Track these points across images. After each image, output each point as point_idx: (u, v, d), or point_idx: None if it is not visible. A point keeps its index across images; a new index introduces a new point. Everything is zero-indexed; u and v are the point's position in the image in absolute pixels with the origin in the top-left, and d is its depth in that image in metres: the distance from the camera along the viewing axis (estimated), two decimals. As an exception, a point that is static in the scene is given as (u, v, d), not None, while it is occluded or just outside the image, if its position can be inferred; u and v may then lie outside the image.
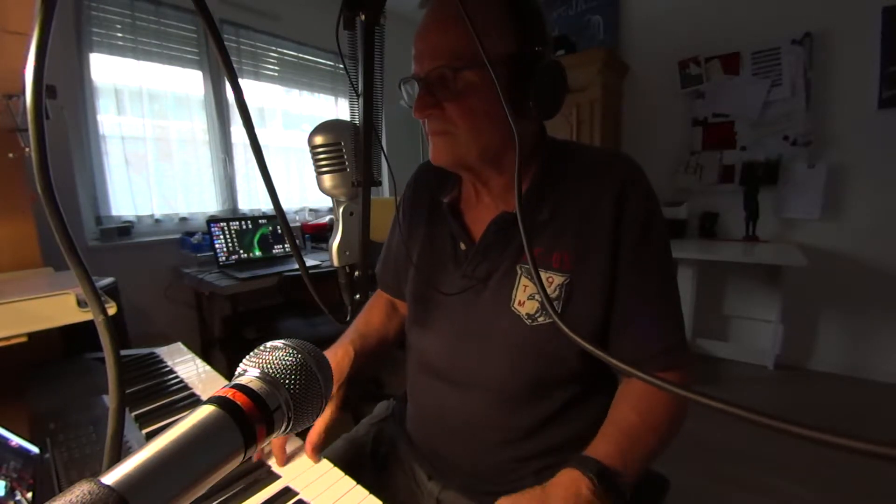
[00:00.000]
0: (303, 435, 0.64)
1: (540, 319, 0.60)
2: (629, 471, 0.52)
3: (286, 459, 0.62)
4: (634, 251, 0.58)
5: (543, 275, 0.60)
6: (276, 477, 0.58)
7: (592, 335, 0.60)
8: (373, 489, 0.56)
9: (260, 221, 2.40)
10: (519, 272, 0.62)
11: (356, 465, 0.74)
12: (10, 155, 1.03)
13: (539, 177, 0.63)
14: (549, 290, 0.60)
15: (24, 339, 0.70)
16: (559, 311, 0.59)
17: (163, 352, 1.00)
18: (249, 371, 0.29)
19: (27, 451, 0.56)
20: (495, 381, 0.63)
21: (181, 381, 0.84)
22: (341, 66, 0.49)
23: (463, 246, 0.68)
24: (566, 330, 0.27)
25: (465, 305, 0.66)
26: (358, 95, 0.49)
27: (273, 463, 0.61)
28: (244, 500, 0.54)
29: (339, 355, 0.74)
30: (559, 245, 0.60)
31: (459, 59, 0.54)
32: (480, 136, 0.58)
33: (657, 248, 0.60)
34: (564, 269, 0.59)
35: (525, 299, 0.61)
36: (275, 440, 0.61)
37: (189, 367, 0.92)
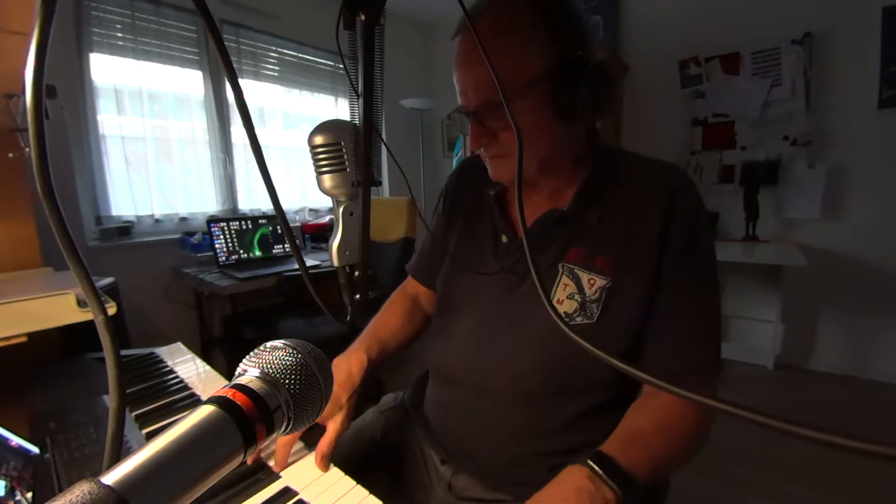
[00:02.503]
0: (303, 436, 0.64)
1: (578, 319, 0.59)
2: (633, 466, 0.51)
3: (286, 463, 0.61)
4: (678, 263, 0.57)
5: (586, 276, 0.60)
6: (276, 477, 0.58)
7: (629, 342, 0.59)
8: (382, 480, 0.56)
9: (260, 221, 2.40)
10: (561, 270, 0.62)
11: (365, 456, 0.74)
12: (10, 155, 1.03)
13: (590, 178, 0.63)
14: (589, 292, 0.59)
15: (24, 339, 0.70)
16: (598, 313, 0.59)
17: (163, 352, 1.00)
18: (249, 371, 0.29)
19: (27, 451, 0.56)
20: (522, 375, 0.62)
21: (181, 381, 0.84)
22: (341, 66, 0.49)
23: (504, 239, 0.68)
24: (577, 339, 0.26)
25: (500, 295, 0.66)
26: (358, 95, 0.49)
27: (273, 463, 0.61)
28: (244, 500, 0.53)
29: (352, 363, 0.72)
30: (604, 248, 0.60)
31: (505, 89, 0.54)
32: (536, 152, 0.59)
33: (701, 261, 0.59)
34: (607, 273, 0.59)
35: (564, 298, 0.60)
36: (281, 441, 0.61)
37: (189, 367, 0.92)
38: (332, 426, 0.65)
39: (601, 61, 0.55)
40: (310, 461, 0.62)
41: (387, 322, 0.82)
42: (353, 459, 0.60)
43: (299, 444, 0.65)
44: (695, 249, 0.58)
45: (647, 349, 0.59)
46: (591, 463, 0.50)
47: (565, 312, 0.60)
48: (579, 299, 0.59)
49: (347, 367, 0.72)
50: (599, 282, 0.59)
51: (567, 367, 0.60)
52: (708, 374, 0.58)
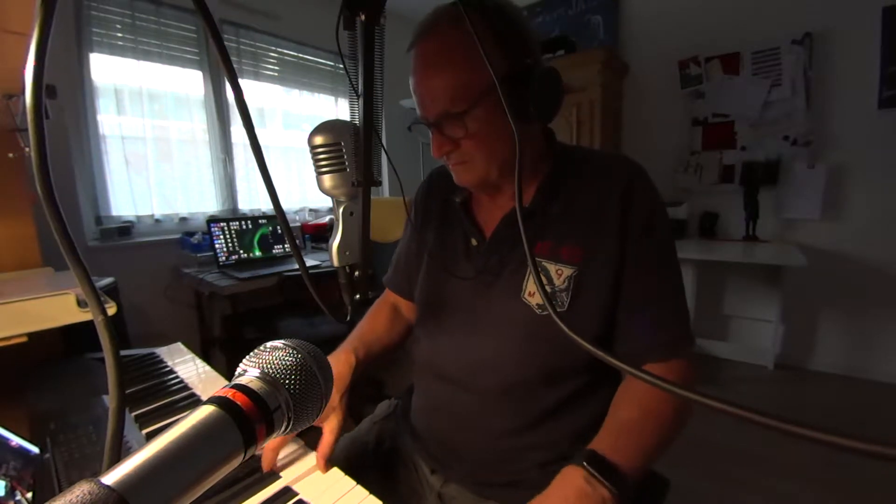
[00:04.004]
0: (302, 436, 0.64)
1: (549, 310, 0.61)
2: (627, 461, 0.53)
3: (277, 463, 0.61)
4: (638, 246, 0.61)
5: (553, 267, 0.62)
6: (276, 477, 0.58)
7: (601, 327, 0.62)
8: (376, 487, 0.56)
9: (260, 221, 2.40)
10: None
11: (359, 464, 0.74)
12: (10, 155, 1.02)
13: (550, 175, 0.66)
14: (558, 282, 0.62)
15: (24, 339, 0.70)
16: (567, 301, 0.61)
17: (163, 352, 1.00)
18: (249, 371, 0.29)
19: (27, 451, 0.56)
20: (504, 369, 0.64)
21: (181, 381, 0.84)
22: (341, 66, 0.49)
23: (475, 242, 0.70)
24: (562, 325, 0.27)
25: (476, 296, 0.68)
26: (358, 95, 0.49)
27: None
28: (244, 500, 0.54)
29: (340, 363, 0.73)
30: (569, 238, 0.62)
31: (460, 100, 0.57)
32: (496, 157, 0.62)
33: (660, 243, 0.62)
34: (574, 262, 0.61)
35: (535, 290, 0.63)
36: (268, 444, 0.61)
37: (189, 367, 0.92)
38: (329, 427, 0.65)
39: (548, 68, 0.59)
40: (309, 461, 0.62)
41: (371, 327, 0.84)
42: (347, 470, 0.60)
43: (299, 444, 0.65)
44: (652, 231, 0.61)
45: (618, 329, 0.62)
46: (587, 465, 0.51)
47: (537, 304, 0.62)
48: (549, 290, 0.62)
49: (336, 367, 0.72)
50: (567, 271, 0.62)
51: (551, 354, 0.62)
52: (677, 346, 0.60)
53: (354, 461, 0.75)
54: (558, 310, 0.60)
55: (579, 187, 0.65)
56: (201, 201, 2.53)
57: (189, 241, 2.32)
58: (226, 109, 2.56)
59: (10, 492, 0.48)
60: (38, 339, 0.71)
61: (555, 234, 0.64)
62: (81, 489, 0.19)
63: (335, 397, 0.69)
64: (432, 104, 0.60)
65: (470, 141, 0.60)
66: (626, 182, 0.62)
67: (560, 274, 0.62)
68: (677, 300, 0.62)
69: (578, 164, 0.67)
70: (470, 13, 0.57)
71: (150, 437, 0.43)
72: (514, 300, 0.64)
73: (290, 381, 0.29)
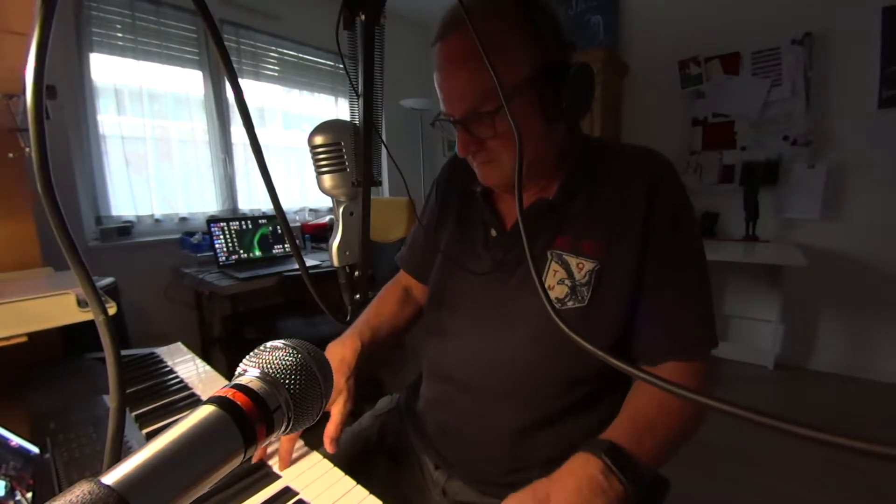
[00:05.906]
0: (303, 436, 0.64)
1: (569, 304, 0.61)
2: (644, 457, 0.51)
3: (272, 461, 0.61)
4: (662, 243, 0.59)
5: (574, 260, 0.61)
6: (276, 477, 0.58)
7: (622, 323, 0.60)
8: (379, 481, 0.56)
9: (260, 221, 2.40)
10: (550, 257, 0.63)
11: (361, 458, 0.74)
12: (10, 155, 1.02)
13: (574, 169, 0.65)
14: (579, 276, 0.61)
15: (24, 339, 0.70)
16: (588, 295, 0.60)
17: (163, 352, 1.00)
18: (249, 371, 0.29)
19: (27, 451, 0.56)
20: (518, 366, 0.63)
21: (181, 381, 0.84)
22: (341, 66, 0.49)
23: (494, 232, 0.69)
24: (563, 327, 0.27)
25: (492, 287, 0.67)
26: (358, 95, 0.49)
27: (273, 463, 0.61)
28: (244, 500, 0.54)
29: (345, 347, 0.73)
30: (591, 232, 0.61)
31: (491, 99, 0.55)
32: (525, 156, 0.59)
33: (686, 241, 0.61)
34: (596, 256, 0.60)
35: (555, 284, 0.62)
36: (284, 443, 0.61)
37: (189, 367, 0.92)
38: (336, 409, 0.66)
39: (583, 64, 0.57)
40: (310, 461, 0.62)
41: (379, 311, 0.83)
42: (350, 464, 0.60)
43: (299, 443, 0.65)
44: (678, 229, 0.60)
45: (639, 329, 0.60)
46: (605, 456, 0.49)
47: (557, 298, 0.61)
48: (570, 284, 0.60)
49: (341, 351, 0.72)
50: (588, 265, 0.60)
51: (566, 355, 0.60)
52: (697, 348, 0.59)
53: (359, 456, 0.74)
54: (578, 305, 0.60)
55: (604, 181, 0.63)
56: (201, 201, 2.53)
57: (189, 241, 2.32)
58: (226, 109, 2.56)
59: (10, 492, 0.48)
60: (38, 339, 0.71)
61: (577, 229, 0.62)
62: (81, 489, 0.19)
63: (340, 380, 0.69)
64: (459, 102, 0.57)
65: (498, 140, 0.58)
66: (652, 177, 0.60)
67: (581, 268, 0.60)
68: (701, 300, 0.60)
69: (604, 157, 0.65)
70: (504, 4, 0.55)
71: (150, 436, 0.43)
72: (531, 293, 0.62)
73: (290, 381, 0.29)
